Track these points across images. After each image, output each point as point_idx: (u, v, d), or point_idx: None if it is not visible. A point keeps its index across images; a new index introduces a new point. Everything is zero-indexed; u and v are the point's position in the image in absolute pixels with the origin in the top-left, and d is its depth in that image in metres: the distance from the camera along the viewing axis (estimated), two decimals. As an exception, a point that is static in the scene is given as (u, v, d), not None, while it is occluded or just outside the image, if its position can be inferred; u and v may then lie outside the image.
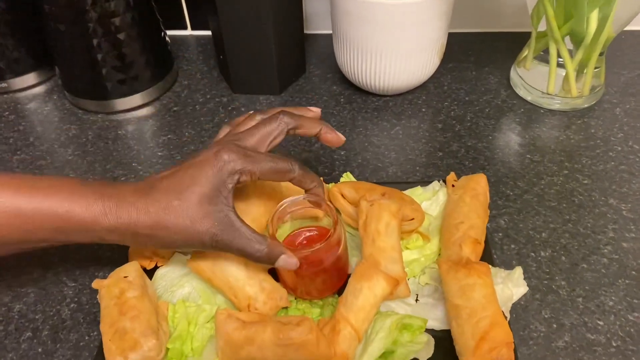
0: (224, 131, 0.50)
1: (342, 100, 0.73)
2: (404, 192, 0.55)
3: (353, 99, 0.73)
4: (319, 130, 0.48)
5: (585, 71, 0.66)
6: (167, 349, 0.45)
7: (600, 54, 0.65)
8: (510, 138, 0.67)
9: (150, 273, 0.50)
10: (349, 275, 0.47)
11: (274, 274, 0.49)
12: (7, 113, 0.73)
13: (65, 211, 0.42)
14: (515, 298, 0.48)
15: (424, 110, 0.71)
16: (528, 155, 0.64)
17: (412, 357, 0.44)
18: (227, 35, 0.69)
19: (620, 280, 0.51)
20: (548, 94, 0.69)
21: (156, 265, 0.51)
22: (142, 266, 0.50)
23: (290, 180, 0.46)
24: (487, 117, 0.70)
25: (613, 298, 0.50)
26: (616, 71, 0.75)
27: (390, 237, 0.48)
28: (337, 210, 0.54)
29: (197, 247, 0.45)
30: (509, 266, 0.53)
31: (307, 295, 0.49)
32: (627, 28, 0.79)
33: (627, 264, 0.53)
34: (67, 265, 0.54)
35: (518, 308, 0.49)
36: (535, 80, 0.70)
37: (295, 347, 0.41)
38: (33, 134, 0.70)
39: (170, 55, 0.76)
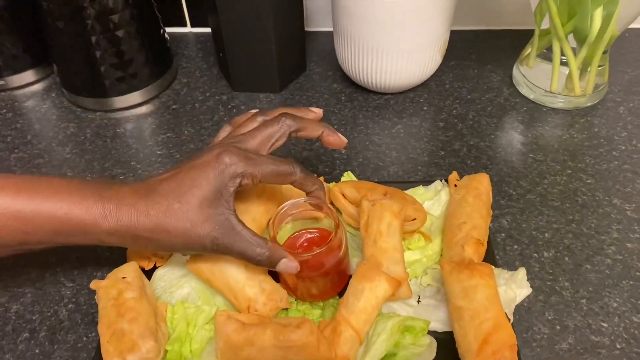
0: (225, 131, 0.49)
1: (343, 98, 0.73)
2: (406, 191, 0.55)
3: (354, 97, 0.73)
4: (321, 133, 0.48)
5: (588, 69, 0.66)
6: (166, 351, 0.45)
7: (604, 52, 0.65)
8: (512, 137, 0.66)
9: (149, 273, 0.50)
10: (350, 277, 0.47)
11: (274, 275, 0.48)
12: (4, 111, 0.72)
13: (65, 213, 0.42)
14: (519, 300, 0.47)
15: (425, 108, 0.71)
16: (531, 155, 0.63)
17: (414, 360, 0.44)
18: (227, 32, 0.68)
19: (624, 282, 0.51)
20: (551, 92, 0.69)
21: (155, 265, 0.51)
22: (140, 267, 0.49)
23: (291, 183, 0.46)
24: (490, 115, 0.69)
25: (617, 299, 0.49)
26: (620, 69, 0.75)
27: (392, 238, 0.48)
28: (338, 211, 0.53)
29: (198, 251, 0.44)
30: (511, 267, 0.52)
31: (308, 297, 0.48)
32: (632, 26, 0.78)
33: (632, 264, 0.52)
34: (65, 266, 0.54)
35: (521, 309, 0.49)
36: (538, 79, 0.69)
37: (296, 350, 0.40)
38: (31, 132, 0.69)
39: (169, 53, 0.76)
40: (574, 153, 0.63)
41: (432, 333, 0.46)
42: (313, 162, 0.64)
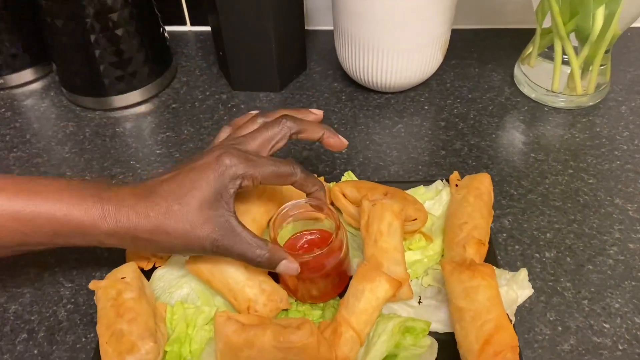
0: (224, 132, 0.49)
1: (343, 97, 0.72)
2: (407, 191, 0.54)
3: (354, 96, 0.72)
4: (322, 135, 0.48)
5: (590, 68, 0.65)
6: (165, 352, 0.44)
7: (606, 51, 0.64)
8: (514, 136, 0.66)
9: (148, 274, 0.50)
10: (350, 278, 0.46)
11: (274, 275, 0.48)
12: (3, 110, 0.72)
13: (64, 215, 0.42)
14: (520, 300, 0.47)
15: (426, 107, 0.70)
16: (532, 154, 0.63)
17: (414, 361, 0.44)
18: (227, 31, 0.68)
19: (626, 282, 0.50)
20: (552, 91, 0.68)
21: (154, 265, 0.50)
22: (139, 267, 0.49)
23: (292, 184, 0.46)
24: (491, 115, 0.69)
25: (619, 300, 0.49)
26: (622, 69, 0.74)
27: (393, 238, 0.48)
28: (338, 211, 0.53)
29: (197, 252, 0.44)
30: (513, 267, 0.52)
31: (308, 299, 0.48)
32: (634, 25, 0.78)
33: (634, 265, 0.52)
34: (64, 266, 0.53)
35: (522, 310, 0.48)
36: (540, 78, 0.69)
37: (296, 351, 0.40)
38: (30, 131, 0.69)
39: (169, 52, 0.75)
40: (575, 153, 0.63)
41: (433, 334, 0.45)
42: (313, 162, 0.63)
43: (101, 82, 0.69)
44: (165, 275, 0.50)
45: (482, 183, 0.53)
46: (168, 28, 0.78)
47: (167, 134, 0.68)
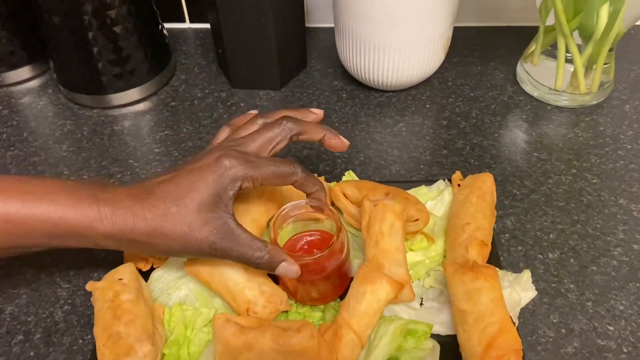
0: (224, 132, 0.49)
1: (344, 95, 0.71)
2: (408, 191, 0.54)
3: (355, 94, 0.72)
4: (323, 136, 0.47)
5: (594, 67, 0.65)
6: (163, 354, 0.44)
7: (610, 50, 0.64)
8: (516, 135, 0.65)
9: (146, 275, 0.49)
10: (351, 279, 0.46)
11: (274, 277, 0.47)
12: (0, 108, 0.71)
13: (59, 217, 0.41)
14: (524, 303, 0.47)
15: (428, 106, 0.69)
16: (535, 154, 0.62)
17: (416, 364, 0.43)
18: (226, 28, 0.67)
19: (631, 284, 0.50)
20: (555, 90, 0.68)
21: (152, 266, 0.50)
22: (137, 268, 0.48)
23: (292, 184, 0.45)
24: (493, 113, 0.68)
25: (624, 302, 0.48)
26: (626, 67, 0.74)
27: (394, 239, 0.47)
28: (339, 211, 0.53)
29: (196, 255, 0.44)
30: (516, 268, 0.51)
31: (308, 301, 0.47)
32: (638, 23, 0.77)
33: (638, 266, 0.51)
34: (61, 266, 0.53)
35: (526, 312, 0.48)
36: (543, 76, 0.68)
37: (296, 354, 0.40)
38: (27, 129, 0.68)
39: (167, 49, 0.75)
40: (579, 152, 0.62)
41: (435, 336, 0.45)
42: (314, 161, 0.63)
43: (99, 80, 0.68)
44: (163, 277, 0.49)
45: (485, 183, 0.52)
46: (167, 25, 0.77)
47: (166, 132, 0.67)
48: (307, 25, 0.79)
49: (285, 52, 0.70)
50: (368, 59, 0.66)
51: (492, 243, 0.50)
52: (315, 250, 0.47)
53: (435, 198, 0.55)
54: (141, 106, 0.71)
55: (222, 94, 0.72)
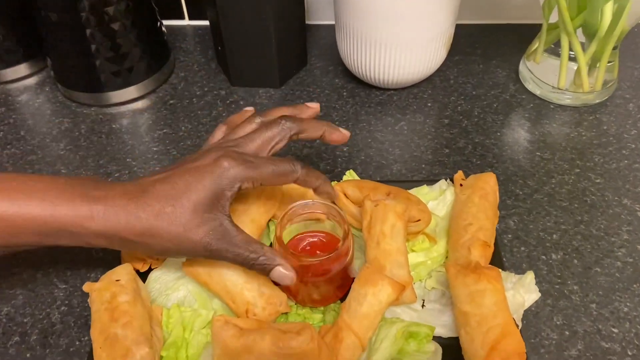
0: (220, 131, 0.48)
1: (344, 94, 0.71)
2: (410, 191, 0.53)
3: (356, 92, 0.71)
4: (322, 133, 0.47)
5: (597, 65, 0.64)
6: (161, 357, 0.43)
7: (614, 48, 0.63)
8: (519, 134, 0.64)
9: (144, 275, 0.48)
10: (352, 280, 0.45)
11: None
12: (-3, 105, 0.71)
13: (49, 214, 0.40)
14: (527, 304, 0.46)
15: (429, 104, 0.69)
16: (538, 153, 0.62)
17: (418, 367, 0.42)
18: (226, 25, 0.66)
19: (635, 285, 0.49)
20: (559, 88, 0.67)
21: (150, 267, 0.49)
22: (135, 268, 0.47)
23: (294, 182, 0.44)
24: (495, 112, 0.67)
25: (628, 304, 0.48)
26: (630, 65, 0.73)
27: (396, 240, 0.46)
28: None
29: (191, 256, 0.43)
30: (518, 269, 0.51)
31: (309, 302, 0.47)
32: (641, 20, 0.76)
33: (643, 267, 0.50)
34: (57, 266, 0.52)
35: (529, 314, 0.47)
36: (546, 74, 0.68)
37: (296, 357, 0.39)
38: (24, 127, 0.68)
39: (166, 46, 0.74)
40: (582, 151, 0.62)
41: (437, 339, 0.44)
42: (314, 160, 0.62)
43: (97, 78, 0.67)
44: (161, 277, 0.48)
45: (487, 183, 0.52)
46: (165, 22, 0.76)
47: (165, 130, 0.67)
48: (307, 22, 0.79)
49: (286, 50, 0.70)
50: (369, 56, 0.65)
51: (495, 244, 0.49)
52: (318, 251, 0.47)
53: (437, 198, 0.54)
54: (139, 104, 0.70)
55: (222, 92, 0.72)
